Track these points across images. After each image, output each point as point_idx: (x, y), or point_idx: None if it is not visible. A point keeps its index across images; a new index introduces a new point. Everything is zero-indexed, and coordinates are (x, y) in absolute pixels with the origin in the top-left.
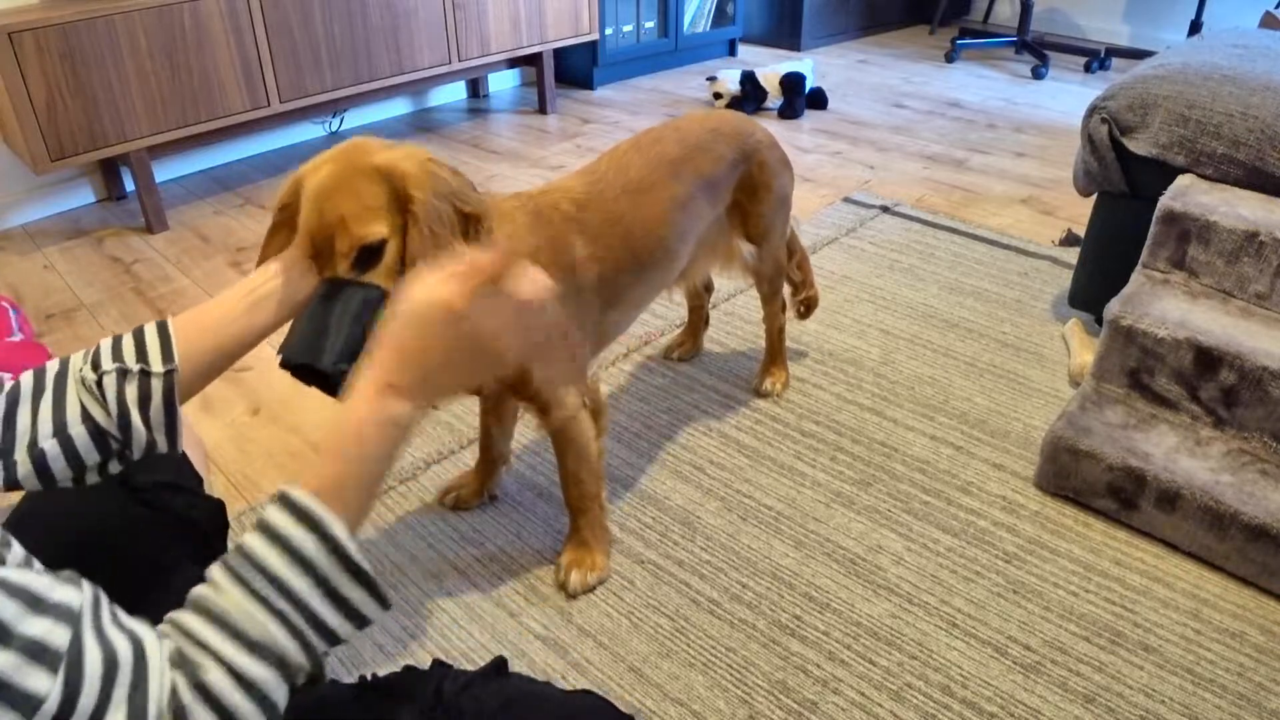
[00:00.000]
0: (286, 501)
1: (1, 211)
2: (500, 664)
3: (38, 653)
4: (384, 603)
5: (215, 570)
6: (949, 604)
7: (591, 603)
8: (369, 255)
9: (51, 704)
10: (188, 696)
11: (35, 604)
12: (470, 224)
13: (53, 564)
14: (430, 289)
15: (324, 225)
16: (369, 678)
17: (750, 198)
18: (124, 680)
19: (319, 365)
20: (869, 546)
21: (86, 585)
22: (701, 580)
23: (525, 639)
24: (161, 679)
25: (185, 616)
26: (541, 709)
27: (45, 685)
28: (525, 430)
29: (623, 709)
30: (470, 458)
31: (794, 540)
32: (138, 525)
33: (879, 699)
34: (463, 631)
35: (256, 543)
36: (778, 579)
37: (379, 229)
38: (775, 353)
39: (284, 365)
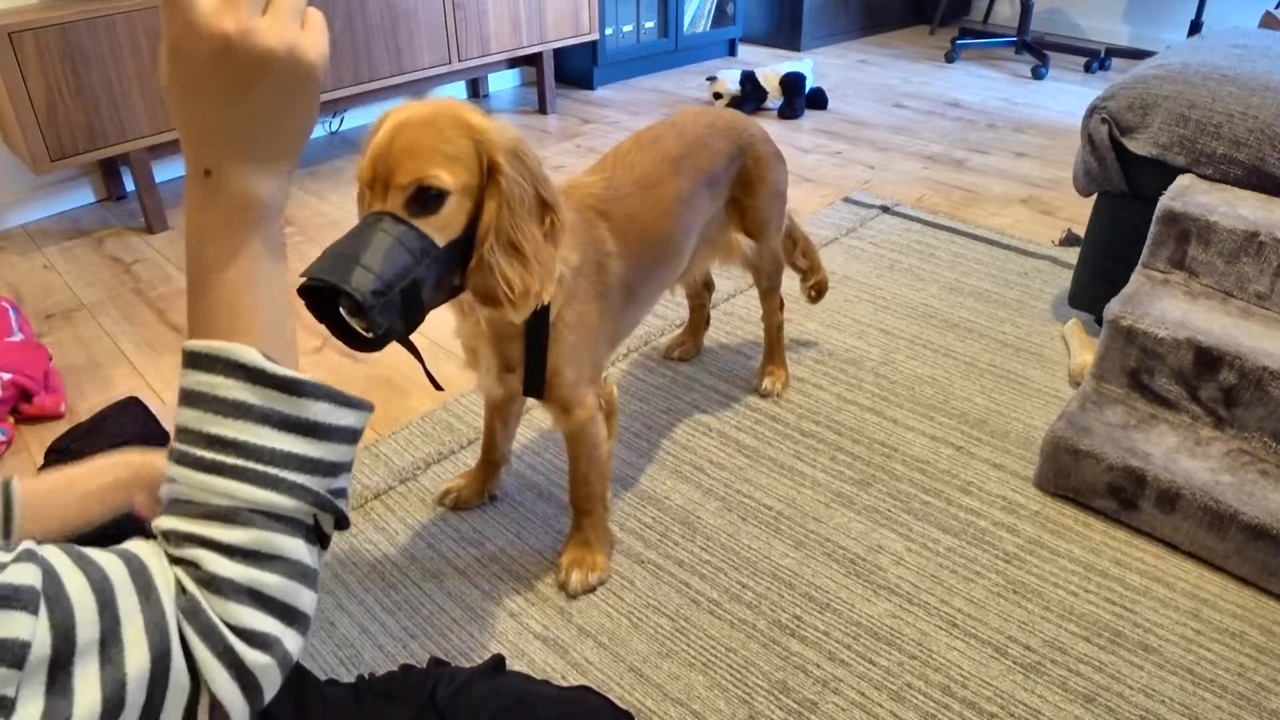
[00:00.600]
0: (186, 356)
1: (1, 211)
2: (498, 662)
3: (5, 597)
4: (350, 403)
5: (168, 466)
6: (949, 604)
7: (591, 603)
8: (426, 201)
9: (41, 646)
10: (195, 592)
11: None
12: (547, 213)
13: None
14: (183, 28)
15: (392, 152)
16: (366, 677)
17: (746, 192)
18: (126, 592)
19: (345, 287)
20: (869, 546)
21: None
22: (701, 580)
23: (525, 639)
24: (167, 580)
25: (161, 521)
26: (538, 709)
27: (26, 628)
28: (525, 430)
29: (622, 709)
30: (470, 458)
31: (794, 540)
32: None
33: (879, 699)
34: (463, 631)
35: (185, 415)
36: (778, 579)
37: (447, 177)
38: (774, 351)
39: (302, 291)
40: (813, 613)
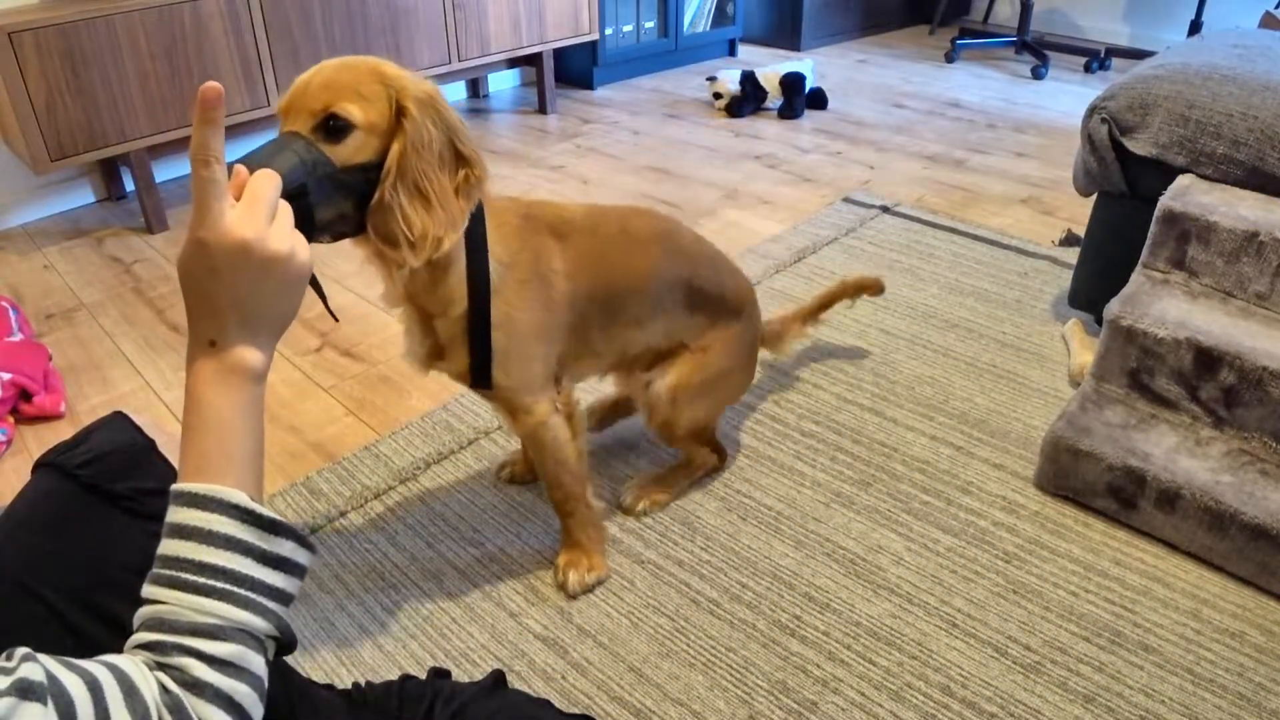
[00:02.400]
0: (179, 496)
1: (1, 211)
2: (498, 678)
3: (26, 689)
4: (308, 546)
5: (148, 589)
6: (949, 604)
7: (591, 603)
8: (332, 131)
9: None
10: (179, 691)
11: None
12: (462, 166)
13: (37, 580)
14: (213, 232)
15: (310, 87)
16: (363, 685)
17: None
18: (114, 693)
19: None
20: (869, 546)
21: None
22: (701, 580)
23: (525, 639)
24: (148, 682)
25: (141, 636)
26: None
27: (39, 717)
28: None
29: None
30: (471, 458)
31: (794, 540)
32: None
33: (879, 699)
34: (463, 631)
35: (174, 545)
36: (778, 579)
37: (355, 111)
38: (665, 474)
39: None
40: (813, 613)
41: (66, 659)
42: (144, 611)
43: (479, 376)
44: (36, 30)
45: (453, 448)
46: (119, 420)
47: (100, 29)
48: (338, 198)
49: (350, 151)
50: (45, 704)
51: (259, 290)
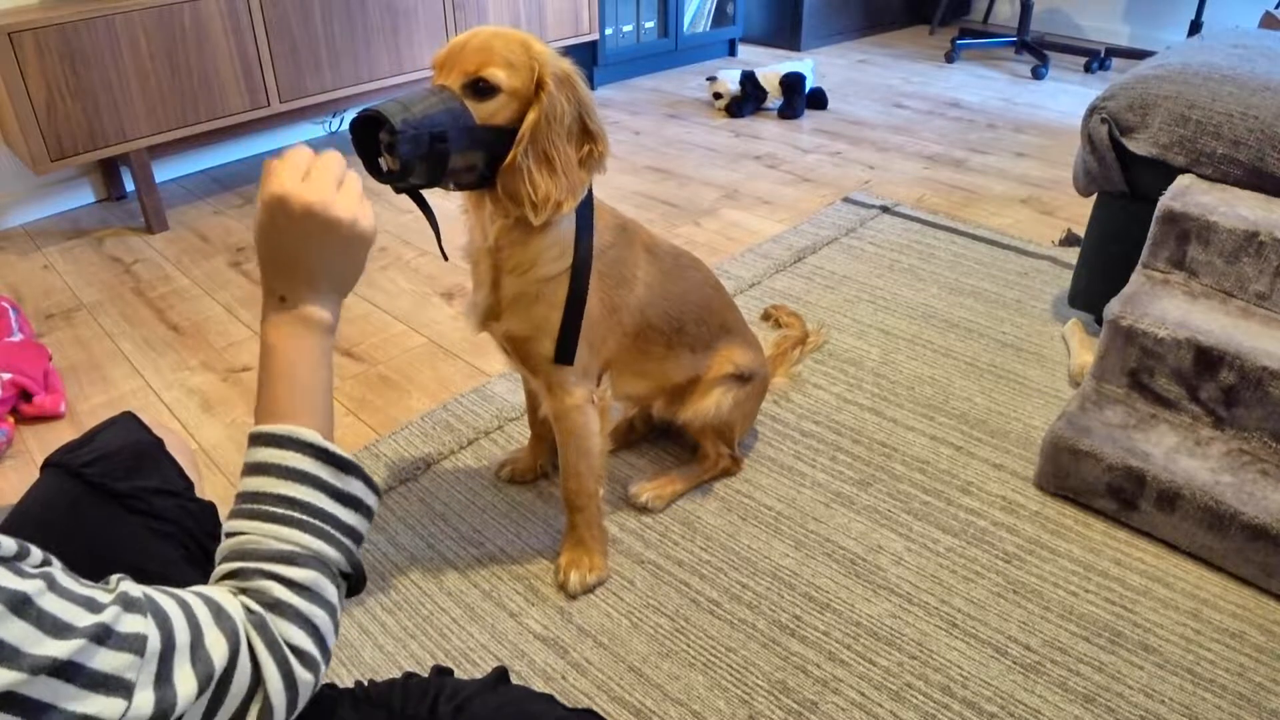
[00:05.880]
0: (258, 438)
1: (1, 211)
2: (501, 674)
3: (129, 603)
4: (375, 490)
5: (229, 524)
6: (949, 604)
7: (591, 603)
8: (480, 90)
9: (155, 642)
10: (262, 611)
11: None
12: (588, 141)
13: None
14: (286, 191)
15: (466, 48)
16: (365, 684)
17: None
18: (204, 612)
19: (388, 115)
20: (869, 546)
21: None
22: (701, 580)
23: (525, 639)
24: (233, 605)
25: (224, 567)
26: None
27: (143, 626)
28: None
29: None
30: (471, 458)
31: (794, 540)
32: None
33: (879, 699)
34: (463, 631)
35: (254, 481)
36: (778, 579)
37: (502, 77)
38: (680, 472)
39: (353, 123)
40: (813, 613)
41: (158, 587)
42: (226, 545)
43: (564, 346)
44: (36, 30)
45: (453, 448)
46: (127, 420)
47: (100, 29)
48: (473, 150)
49: (492, 111)
50: (145, 616)
51: (324, 251)
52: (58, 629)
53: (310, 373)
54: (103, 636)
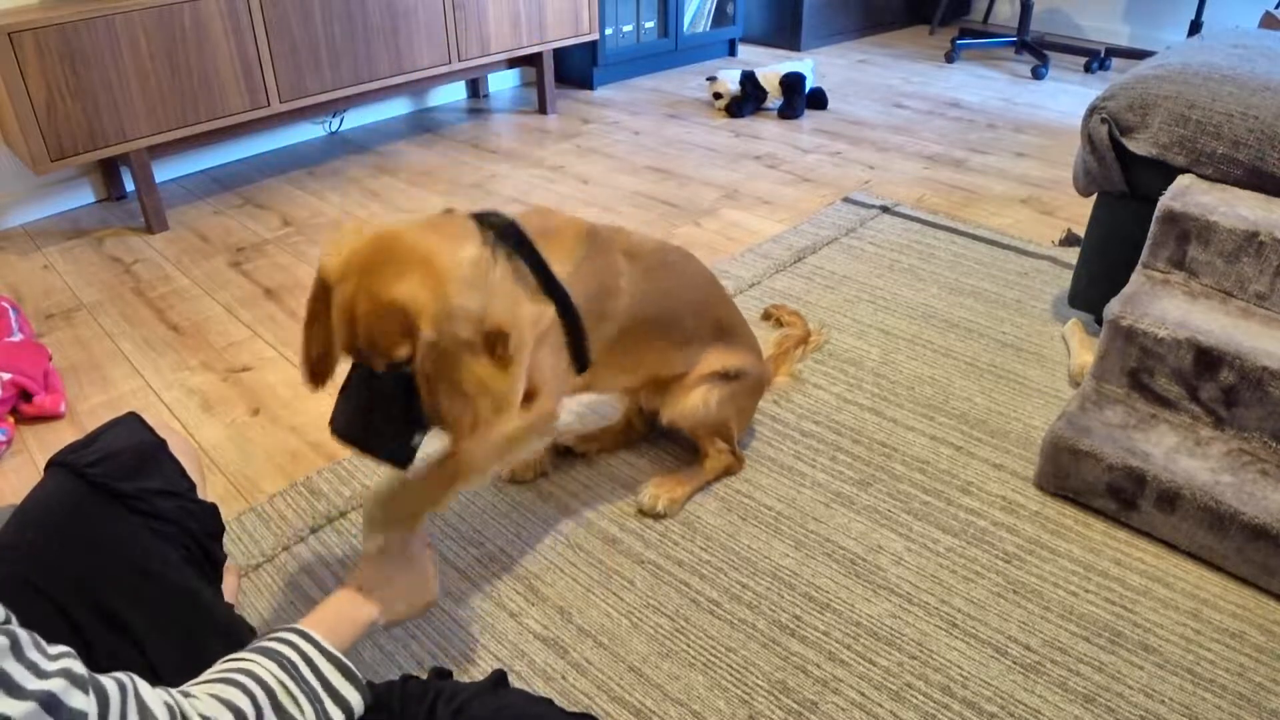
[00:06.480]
0: (301, 634)
1: (1, 211)
2: (500, 677)
3: (76, 679)
4: (365, 694)
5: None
6: (949, 604)
7: (591, 603)
8: (399, 365)
9: (93, 717)
10: (185, 707)
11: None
12: (494, 339)
13: (44, 579)
14: (403, 537)
15: (357, 347)
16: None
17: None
18: (131, 694)
19: (374, 452)
20: (869, 546)
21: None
22: (701, 580)
23: (525, 639)
24: (157, 694)
25: (187, 688)
26: None
27: (84, 702)
28: None
29: (623, 709)
30: None
31: (794, 540)
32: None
33: (879, 699)
34: (463, 632)
35: (286, 648)
36: (778, 579)
37: (405, 351)
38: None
39: (337, 438)
40: (813, 613)
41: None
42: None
43: (580, 360)
44: (36, 30)
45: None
46: (131, 420)
47: (100, 29)
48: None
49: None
50: (88, 694)
51: (406, 587)
52: (10, 689)
53: (340, 641)
54: (52, 706)
